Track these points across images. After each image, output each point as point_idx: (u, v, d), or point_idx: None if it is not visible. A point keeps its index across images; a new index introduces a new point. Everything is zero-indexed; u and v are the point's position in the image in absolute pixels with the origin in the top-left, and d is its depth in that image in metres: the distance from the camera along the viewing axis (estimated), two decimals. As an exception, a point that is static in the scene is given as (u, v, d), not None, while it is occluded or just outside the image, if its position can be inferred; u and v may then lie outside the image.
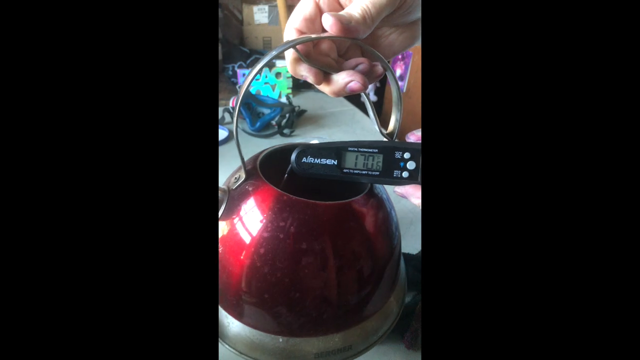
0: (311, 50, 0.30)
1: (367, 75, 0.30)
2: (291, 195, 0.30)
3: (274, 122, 0.99)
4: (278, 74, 1.13)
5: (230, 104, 1.05)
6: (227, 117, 1.02)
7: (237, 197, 0.32)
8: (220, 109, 1.03)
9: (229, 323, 0.33)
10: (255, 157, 0.36)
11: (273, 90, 1.14)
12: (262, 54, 1.42)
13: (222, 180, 0.50)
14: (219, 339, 0.34)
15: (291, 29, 0.29)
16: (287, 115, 0.99)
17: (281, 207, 0.30)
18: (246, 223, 0.31)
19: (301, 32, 0.29)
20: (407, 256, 0.66)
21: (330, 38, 0.29)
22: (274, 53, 0.28)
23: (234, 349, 0.33)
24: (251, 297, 0.31)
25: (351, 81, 0.29)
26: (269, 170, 0.34)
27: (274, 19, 1.45)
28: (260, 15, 1.47)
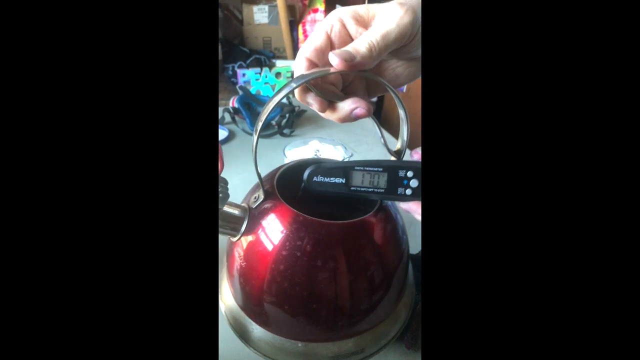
0: (319, 81, 0.32)
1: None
2: (307, 216, 0.33)
3: (274, 122, 0.99)
4: (278, 74, 1.13)
5: (230, 104, 1.05)
6: (227, 117, 1.02)
7: (257, 216, 0.34)
8: (220, 109, 1.03)
9: (253, 329, 0.36)
10: (272, 175, 0.38)
11: (273, 90, 1.14)
12: (262, 54, 1.42)
13: (230, 184, 0.50)
14: (245, 343, 0.37)
15: (302, 59, 0.31)
16: (287, 115, 0.99)
17: (298, 227, 0.33)
18: (266, 241, 0.33)
19: (311, 62, 0.31)
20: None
21: (338, 72, 0.31)
22: (288, 89, 0.30)
23: (258, 351, 0.37)
24: (273, 307, 0.34)
25: (356, 107, 0.30)
26: (285, 187, 0.36)
27: (274, 19, 1.45)
28: (260, 15, 1.47)
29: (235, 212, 0.35)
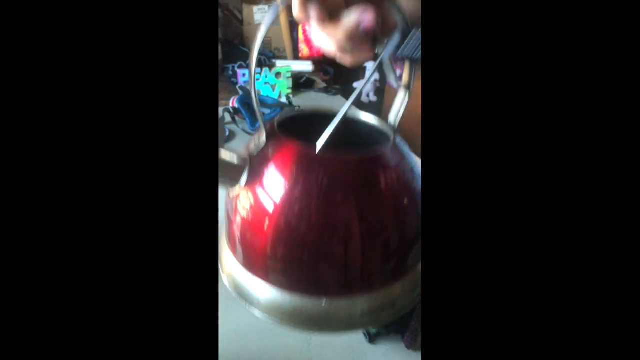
0: None
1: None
2: (321, 152, 0.30)
3: (274, 122, 0.99)
4: (278, 74, 1.13)
5: (230, 104, 1.05)
6: (227, 117, 1.02)
7: (260, 161, 0.31)
8: (220, 109, 1.03)
9: (268, 294, 0.32)
10: (271, 122, 0.35)
11: (273, 90, 1.14)
12: (262, 54, 1.42)
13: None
14: (260, 312, 0.33)
15: None
16: (287, 115, 0.99)
17: (310, 163, 0.30)
18: (275, 185, 0.30)
19: None
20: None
21: None
22: None
23: (276, 319, 0.32)
24: (291, 258, 0.30)
25: (364, 13, 0.27)
26: (288, 134, 0.33)
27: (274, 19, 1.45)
28: (260, 15, 1.47)
29: (234, 160, 0.31)
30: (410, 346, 0.44)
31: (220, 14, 1.51)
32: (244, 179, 0.31)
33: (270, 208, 0.30)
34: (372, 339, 0.61)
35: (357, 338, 0.59)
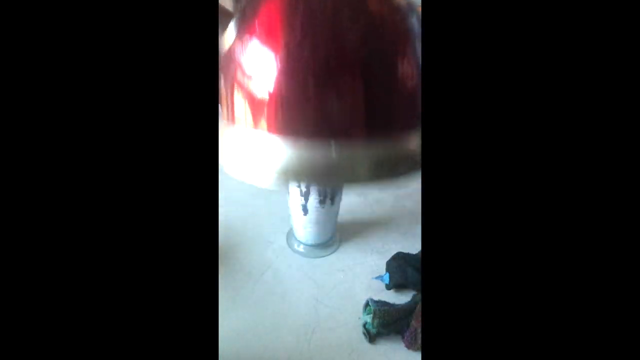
0: None
1: None
2: None
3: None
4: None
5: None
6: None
7: (252, 4, 0.29)
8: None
9: (272, 145, 0.29)
10: None
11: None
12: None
13: (231, 185, 0.48)
14: (260, 175, 0.30)
15: None
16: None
17: None
18: (273, 18, 0.28)
19: None
20: (407, 256, 0.66)
21: None
22: None
23: (279, 176, 0.29)
24: (295, 92, 0.27)
25: None
26: None
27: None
28: (260, 15, 1.46)
29: (227, 4, 0.29)
30: (410, 346, 0.44)
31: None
32: (232, 24, 0.28)
33: (271, 41, 0.27)
34: (372, 339, 0.62)
35: (357, 338, 0.59)
